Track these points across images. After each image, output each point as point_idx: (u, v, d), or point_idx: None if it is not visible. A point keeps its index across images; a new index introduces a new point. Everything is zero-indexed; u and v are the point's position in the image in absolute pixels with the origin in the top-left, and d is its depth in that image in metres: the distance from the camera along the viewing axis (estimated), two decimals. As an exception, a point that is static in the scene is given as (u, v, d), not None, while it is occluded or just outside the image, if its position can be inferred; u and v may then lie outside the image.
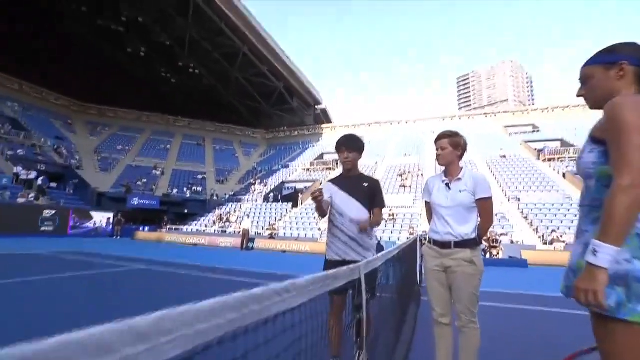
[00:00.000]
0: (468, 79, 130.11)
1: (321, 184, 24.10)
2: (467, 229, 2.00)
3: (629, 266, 0.96)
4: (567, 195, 16.25)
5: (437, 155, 2.14)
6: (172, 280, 6.10)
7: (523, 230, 13.75)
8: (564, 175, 18.96)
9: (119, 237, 19.41)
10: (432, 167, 22.86)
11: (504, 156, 23.36)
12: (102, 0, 26.60)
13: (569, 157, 21.35)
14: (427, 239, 2.16)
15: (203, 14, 26.99)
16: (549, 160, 21.67)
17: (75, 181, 22.80)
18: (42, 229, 15.99)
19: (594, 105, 1.21)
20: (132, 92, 38.71)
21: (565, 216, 14.27)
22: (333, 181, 2.41)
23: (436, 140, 2.15)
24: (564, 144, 24.23)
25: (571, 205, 15.11)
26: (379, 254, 1.67)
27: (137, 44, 31.72)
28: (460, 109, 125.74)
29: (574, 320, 3.98)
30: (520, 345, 2.99)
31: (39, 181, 19.26)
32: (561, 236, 12.19)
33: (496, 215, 15.04)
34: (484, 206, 2.03)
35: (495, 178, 20.06)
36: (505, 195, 17.41)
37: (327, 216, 2.35)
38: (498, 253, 10.86)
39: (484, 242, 11.43)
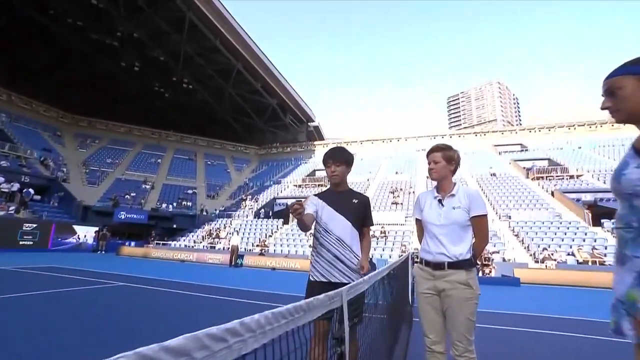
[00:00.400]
0: (458, 99, 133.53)
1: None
2: (461, 248, 1.85)
3: None
4: (556, 213, 16.39)
5: (430, 170, 2.00)
6: (149, 298, 5.79)
7: (514, 248, 13.72)
8: (552, 194, 19.21)
9: (103, 252, 18.76)
10: (423, 185, 22.97)
11: (494, 174, 23.65)
12: (99, 15, 26.76)
13: (556, 176, 21.71)
14: (419, 258, 2.01)
15: (198, 31, 27.34)
16: (538, 178, 21.99)
17: (60, 194, 22.20)
18: (21, 243, 15.37)
19: (625, 118, 1.07)
20: (124, 106, 38.55)
21: (555, 234, 14.32)
22: (320, 195, 2.21)
23: (428, 154, 2.02)
24: (552, 162, 24.73)
25: (560, 223, 15.22)
26: (369, 275, 1.53)
27: (132, 58, 31.80)
28: (450, 128, 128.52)
29: (570, 342, 3.85)
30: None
31: (22, 193, 18.67)
32: (552, 254, 12.16)
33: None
34: (479, 224, 1.90)
35: (486, 196, 20.19)
36: (497, 213, 17.47)
37: (312, 232, 2.19)
38: (490, 271, 10.74)
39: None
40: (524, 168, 23.87)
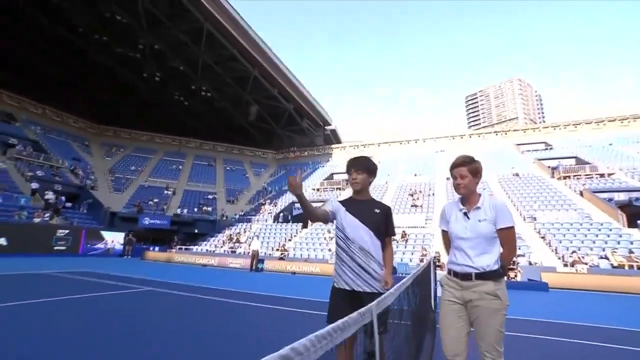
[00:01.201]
0: (476, 98, 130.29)
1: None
2: (488, 260, 1.84)
3: None
4: (586, 214, 15.68)
5: (457, 185, 1.97)
6: (176, 303, 5.97)
7: (540, 251, 13.22)
8: (581, 194, 18.40)
9: (129, 257, 19.47)
10: (443, 187, 22.55)
11: (517, 174, 22.91)
12: (123, 30, 27.99)
13: (585, 175, 20.78)
14: (447, 269, 2.03)
15: (215, 40, 28.08)
16: (564, 177, 21.12)
17: (89, 201, 23.25)
18: (56, 248, 16.19)
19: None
20: (146, 115, 40.06)
21: (585, 236, 13.69)
22: (342, 202, 2.24)
23: (453, 168, 2.00)
24: (579, 160, 23.70)
25: (591, 224, 14.53)
26: (394, 287, 1.55)
27: (153, 69, 33.00)
28: (470, 127, 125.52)
29: (603, 354, 3.69)
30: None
31: (56, 200, 19.73)
32: (582, 257, 11.63)
33: (512, 235, 14.56)
34: (507, 236, 1.88)
35: (509, 197, 19.58)
36: (520, 215, 16.90)
37: (335, 241, 2.23)
38: (516, 275, 10.39)
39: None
40: (549, 167, 23.00)
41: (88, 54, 31.73)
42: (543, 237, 14.40)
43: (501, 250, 1.91)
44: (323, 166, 36.40)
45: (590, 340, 4.15)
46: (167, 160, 36.57)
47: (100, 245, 18.78)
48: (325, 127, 41.72)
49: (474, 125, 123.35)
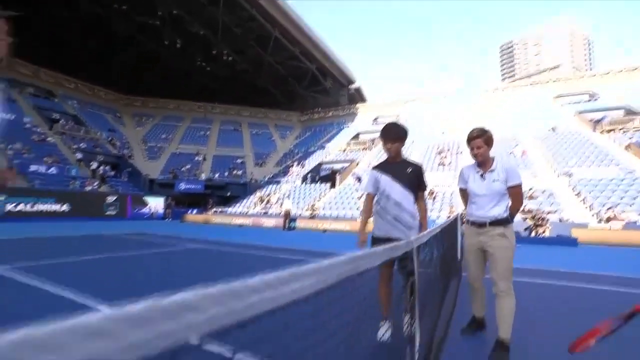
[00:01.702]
0: (512, 46, 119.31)
1: (358, 164, 24.13)
2: (499, 210, 2.31)
3: None
4: (629, 170, 14.84)
5: (475, 154, 2.39)
6: (224, 257, 6.70)
7: (574, 208, 12.93)
8: (627, 148, 17.23)
9: (170, 220, 21.11)
10: (473, 144, 21.85)
11: (554, 129, 21.66)
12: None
13: (634, 127, 19.28)
14: (466, 220, 2.52)
15: (233, 1, 27.27)
16: (608, 131, 19.74)
17: (128, 169, 24.90)
18: (107, 213, 17.89)
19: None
20: (171, 83, 40.65)
21: (626, 192, 13.13)
22: (377, 167, 2.58)
23: (469, 140, 2.39)
24: (629, 112, 21.79)
25: (634, 180, 13.83)
26: (422, 233, 1.84)
27: (173, 36, 32.91)
28: (503, 80, 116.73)
29: (624, 300, 3.88)
30: (559, 322, 3.03)
31: (101, 171, 21.36)
32: (620, 213, 11.31)
33: (543, 192, 14.26)
34: (515, 191, 2.33)
35: (543, 154, 18.79)
36: (555, 172, 16.32)
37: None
38: (544, 231, 10.39)
39: (528, 221, 11.01)
40: (591, 120, 21.46)
41: (110, 25, 32.03)
42: (578, 194, 13.99)
43: (510, 202, 2.35)
44: (348, 126, 36.02)
45: (615, 287, 4.33)
46: (194, 127, 37.60)
47: (145, 210, 20.46)
48: (349, 86, 40.59)
49: (508, 77, 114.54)
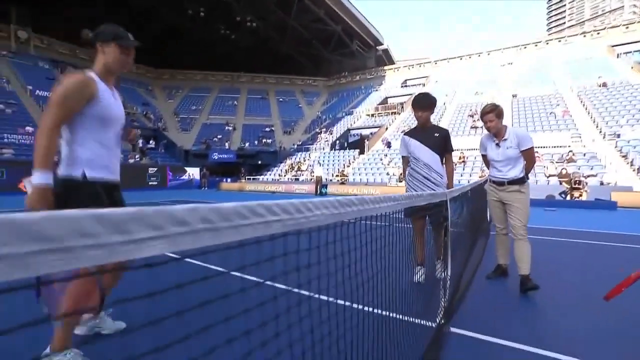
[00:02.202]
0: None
1: (387, 129, 23.79)
2: (515, 172, 2.78)
3: None
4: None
5: (488, 127, 2.83)
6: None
7: (619, 170, 12.25)
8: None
9: (206, 188, 22.37)
10: (507, 105, 20.73)
11: (604, 84, 19.88)
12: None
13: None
14: (489, 180, 3.02)
15: (255, -39, 26.28)
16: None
17: (164, 142, 26.20)
18: (150, 183, 19.32)
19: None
20: (196, 54, 40.84)
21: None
22: (408, 133, 2.98)
23: (482, 116, 2.83)
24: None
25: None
26: (452, 190, 2.13)
27: (195, 5, 32.63)
28: (549, 30, 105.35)
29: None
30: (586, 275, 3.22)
31: (140, 144, 22.70)
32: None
33: (584, 155, 13.55)
34: (528, 154, 2.80)
35: (588, 112, 17.50)
36: (600, 132, 15.29)
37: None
38: (581, 194, 10.07)
39: (565, 184, 10.69)
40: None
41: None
42: (625, 156, 13.15)
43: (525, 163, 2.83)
44: (376, 90, 35.03)
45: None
46: (222, 97, 38.16)
47: (185, 177, 21.87)
48: (377, 48, 38.79)
49: (555, 27, 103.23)
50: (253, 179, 22.26)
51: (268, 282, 0.88)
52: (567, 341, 1.82)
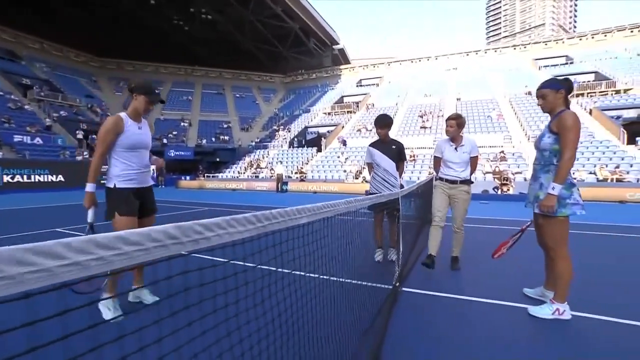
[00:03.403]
0: (500, 2, 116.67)
1: (343, 127, 24.80)
2: (466, 173, 3.42)
3: (561, 192, 2.19)
4: (589, 133, 16.29)
5: (447, 130, 3.42)
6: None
7: (539, 167, 14.37)
8: (590, 112, 18.64)
9: (163, 187, 21.59)
10: (453, 108, 22.85)
11: (530, 93, 22.78)
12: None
13: (600, 92, 20.62)
14: (439, 178, 3.55)
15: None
16: (577, 95, 21.04)
17: (114, 136, 24.63)
18: (102, 181, 18.15)
19: (547, 111, 2.40)
20: (147, 44, 38.51)
21: (582, 154, 14.58)
22: (372, 145, 3.71)
23: (447, 120, 3.41)
24: (599, 76, 23.06)
25: (591, 143, 15.29)
26: (403, 189, 2.85)
27: (146, -10, 30.86)
28: (488, 39, 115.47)
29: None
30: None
31: (86, 139, 21.21)
32: (573, 173, 12.82)
33: (513, 155, 15.65)
34: (475, 160, 3.49)
35: (517, 116, 20.03)
36: (525, 134, 17.67)
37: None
38: (509, 189, 11.82)
39: (495, 180, 12.40)
40: (563, 84, 22.57)
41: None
42: (543, 154, 15.42)
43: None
44: (333, 88, 36.06)
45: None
46: (176, 91, 36.61)
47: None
48: (333, 47, 39.80)
49: (493, 36, 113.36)
50: (213, 176, 21.97)
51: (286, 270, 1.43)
52: (471, 288, 2.75)
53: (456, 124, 3.33)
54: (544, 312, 2.29)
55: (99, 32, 36.02)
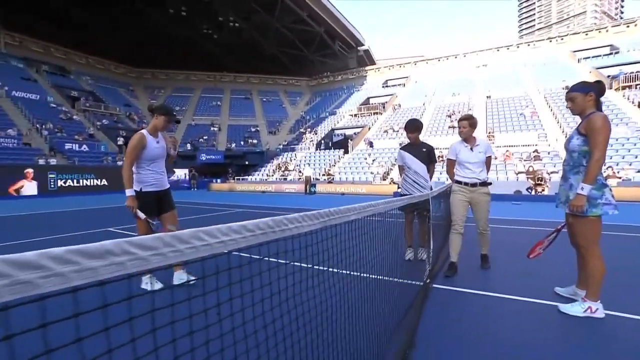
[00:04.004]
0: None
1: (369, 129, 24.76)
2: (484, 174, 3.35)
3: (591, 193, 2.24)
4: (638, 128, 15.19)
5: (460, 132, 3.39)
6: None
7: (578, 166, 13.63)
8: (639, 105, 17.36)
9: (195, 189, 22.65)
10: (482, 106, 22.15)
11: (567, 87, 21.59)
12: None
13: (649, 83, 19.14)
14: (456, 181, 3.40)
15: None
16: (624, 88, 19.65)
17: (150, 142, 26.13)
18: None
19: (577, 113, 2.42)
20: (178, 53, 40.54)
21: (629, 151, 13.68)
22: (403, 148, 3.85)
23: (459, 121, 3.39)
24: (649, 66, 21.29)
25: (639, 139, 14.30)
26: (433, 191, 2.95)
27: (178, 4, 32.48)
28: (520, 32, 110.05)
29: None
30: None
31: (126, 145, 22.74)
32: (618, 172, 12.07)
33: (549, 153, 14.97)
34: (489, 161, 3.44)
35: (553, 113, 19.08)
36: (563, 132, 16.81)
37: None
38: (543, 190, 11.32)
39: (529, 180, 11.93)
40: (608, 77, 21.17)
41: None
42: (583, 153, 14.59)
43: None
44: (358, 90, 36.02)
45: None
46: (206, 97, 38.09)
47: (173, 178, 22.05)
48: (358, 48, 39.77)
49: (526, 29, 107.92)
50: (243, 179, 22.71)
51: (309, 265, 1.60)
52: (501, 286, 2.83)
53: (469, 125, 3.31)
54: (575, 309, 2.31)
55: (136, 45, 38.40)
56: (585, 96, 2.33)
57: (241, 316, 0.88)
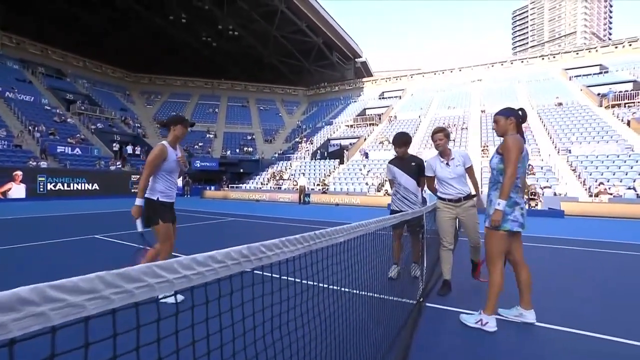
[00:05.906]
0: (526, 11, 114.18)
1: (365, 140, 24.87)
2: (466, 187, 3.19)
3: (506, 209, 2.34)
4: (627, 145, 15.48)
5: (437, 145, 3.23)
6: (260, 227, 7.86)
7: (569, 183, 13.79)
8: (628, 123, 17.73)
9: (188, 196, 22.39)
10: (477, 120, 22.42)
11: (560, 104, 22.02)
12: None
13: (638, 102, 19.58)
14: (439, 198, 3.27)
15: (240, -26, 26.90)
16: (614, 106, 20.09)
17: (145, 148, 25.94)
18: (133, 190, 19.18)
19: (500, 135, 2.56)
20: (176, 59, 40.69)
21: (619, 168, 13.91)
22: (391, 162, 3.72)
23: (433, 134, 3.26)
24: (637, 85, 21.85)
25: (629, 156, 14.50)
26: (425, 206, 2.89)
27: (178, 10, 32.72)
28: (514, 49, 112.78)
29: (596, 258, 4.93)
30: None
31: (121, 150, 22.48)
32: (609, 188, 12.21)
33: (542, 168, 15.11)
34: (471, 171, 3.25)
35: (546, 129, 19.36)
36: (555, 147, 17.03)
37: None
38: (536, 204, 11.38)
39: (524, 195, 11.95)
40: (598, 95, 21.68)
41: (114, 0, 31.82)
42: (574, 170, 14.79)
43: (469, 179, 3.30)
44: (355, 101, 36.32)
45: (582, 248, 5.40)
46: (202, 103, 38.10)
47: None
48: (356, 60, 40.35)
49: (520, 46, 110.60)
50: (236, 187, 22.54)
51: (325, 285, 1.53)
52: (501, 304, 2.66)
53: (444, 136, 3.18)
54: (469, 319, 2.42)
55: (134, 49, 38.46)
56: (507, 120, 2.49)
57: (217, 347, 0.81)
